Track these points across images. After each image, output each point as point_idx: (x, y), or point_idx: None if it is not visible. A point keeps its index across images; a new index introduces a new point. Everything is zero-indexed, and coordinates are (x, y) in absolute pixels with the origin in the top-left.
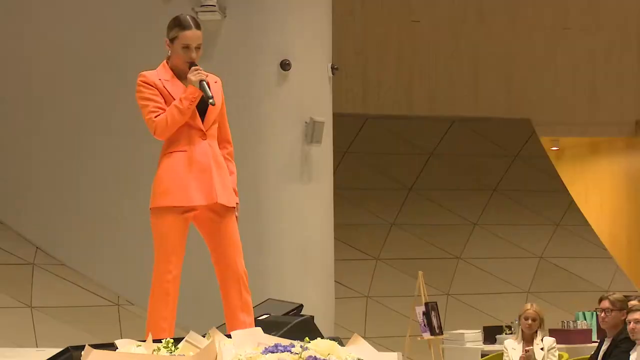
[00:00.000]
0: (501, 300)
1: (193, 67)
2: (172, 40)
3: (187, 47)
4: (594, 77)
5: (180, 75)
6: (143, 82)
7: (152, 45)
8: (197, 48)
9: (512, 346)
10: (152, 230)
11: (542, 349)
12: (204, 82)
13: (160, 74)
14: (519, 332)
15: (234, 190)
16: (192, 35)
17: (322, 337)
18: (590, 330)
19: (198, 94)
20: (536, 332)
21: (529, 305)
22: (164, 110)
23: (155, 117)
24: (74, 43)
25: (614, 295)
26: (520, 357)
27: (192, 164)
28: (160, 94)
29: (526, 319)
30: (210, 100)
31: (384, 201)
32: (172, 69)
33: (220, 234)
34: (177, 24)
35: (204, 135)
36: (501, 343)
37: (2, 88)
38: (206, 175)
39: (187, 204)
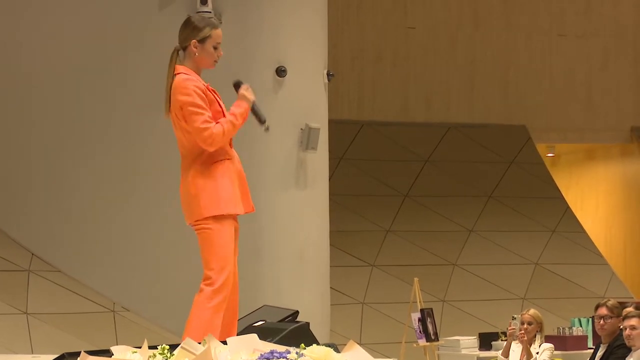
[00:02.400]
0: (497, 306)
1: (244, 85)
2: (202, 40)
3: (217, 46)
4: (589, 84)
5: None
6: (195, 87)
7: (148, 50)
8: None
9: (511, 348)
10: (213, 237)
11: (537, 352)
12: (256, 104)
13: (200, 80)
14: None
15: None
16: (221, 33)
17: (318, 344)
18: (585, 337)
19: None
20: (535, 336)
21: (525, 310)
22: (213, 121)
23: (210, 127)
24: (69, 48)
25: (611, 302)
26: (509, 330)
27: (236, 171)
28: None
29: (522, 323)
30: (265, 125)
31: (380, 208)
32: (195, 72)
33: (235, 242)
34: (207, 23)
35: (231, 142)
36: (497, 349)
37: None
38: (244, 183)
39: (242, 212)
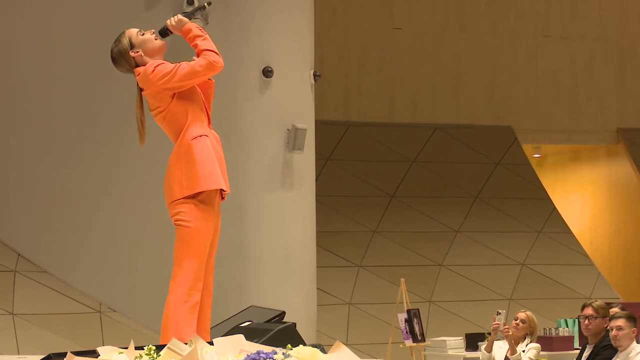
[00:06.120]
0: (483, 307)
1: (167, 21)
2: (131, 45)
3: (141, 33)
4: (575, 85)
5: None
6: (160, 63)
7: None
8: None
9: (498, 345)
10: (191, 235)
11: (523, 351)
12: (185, 15)
13: None
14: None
15: None
16: (132, 29)
17: (305, 344)
18: (572, 337)
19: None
20: (525, 337)
21: (524, 310)
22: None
23: (196, 61)
24: (56, 50)
25: (597, 303)
26: (493, 325)
27: (214, 150)
28: None
29: (515, 319)
30: (206, 2)
31: (366, 208)
32: None
33: (217, 224)
34: (119, 36)
35: (210, 122)
36: None
37: None
38: (222, 162)
39: (225, 187)
